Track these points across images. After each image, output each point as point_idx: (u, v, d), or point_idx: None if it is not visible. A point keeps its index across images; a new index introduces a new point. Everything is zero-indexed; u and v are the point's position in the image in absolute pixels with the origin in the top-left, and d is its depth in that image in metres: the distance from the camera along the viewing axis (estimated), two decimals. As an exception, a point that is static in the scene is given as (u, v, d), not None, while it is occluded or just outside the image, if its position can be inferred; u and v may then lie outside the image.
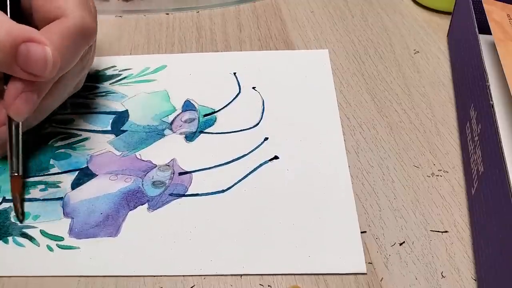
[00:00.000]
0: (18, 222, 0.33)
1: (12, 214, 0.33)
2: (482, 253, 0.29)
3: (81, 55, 0.35)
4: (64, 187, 0.35)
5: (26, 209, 0.33)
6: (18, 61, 0.31)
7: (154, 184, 0.35)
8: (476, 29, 0.37)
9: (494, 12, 0.40)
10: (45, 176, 0.35)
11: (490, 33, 0.38)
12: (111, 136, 0.38)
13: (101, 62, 0.44)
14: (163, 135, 0.38)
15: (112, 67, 0.44)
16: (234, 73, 0.43)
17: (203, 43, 0.47)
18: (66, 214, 0.33)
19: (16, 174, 0.33)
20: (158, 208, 0.33)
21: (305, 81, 0.42)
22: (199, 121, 0.39)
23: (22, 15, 0.35)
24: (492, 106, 0.30)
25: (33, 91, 0.32)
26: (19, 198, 0.33)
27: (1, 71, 0.32)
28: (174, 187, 0.34)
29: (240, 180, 0.35)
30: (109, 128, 0.39)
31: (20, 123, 0.33)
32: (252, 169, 0.35)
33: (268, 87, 0.42)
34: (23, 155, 0.34)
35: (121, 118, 0.40)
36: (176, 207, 0.33)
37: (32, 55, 0.31)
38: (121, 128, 0.39)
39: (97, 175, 0.35)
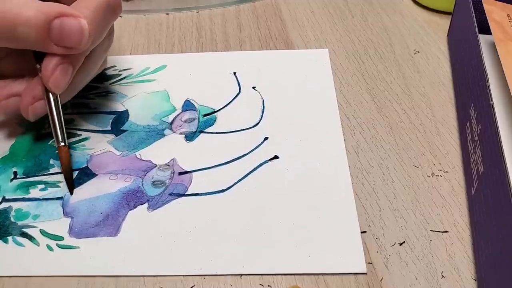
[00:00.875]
0: (18, 222, 0.32)
1: (12, 213, 0.33)
2: (482, 253, 0.29)
3: (108, 31, 0.37)
4: (64, 187, 0.35)
5: (25, 209, 0.33)
6: (52, 37, 0.32)
7: (154, 183, 0.35)
8: (476, 29, 0.37)
9: (494, 12, 0.40)
10: (45, 176, 0.35)
11: (490, 33, 0.38)
12: (111, 136, 0.38)
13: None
14: (163, 135, 0.38)
15: (112, 67, 0.44)
16: (234, 73, 0.43)
17: (203, 43, 0.47)
18: (66, 214, 0.33)
19: (63, 144, 0.34)
20: (158, 207, 0.33)
21: (305, 81, 0.42)
22: (199, 121, 0.39)
23: None
24: (492, 106, 0.30)
25: (69, 62, 0.34)
26: (70, 168, 0.35)
27: (36, 49, 0.33)
28: (174, 186, 0.34)
29: (240, 180, 0.35)
30: (109, 128, 0.39)
31: (58, 96, 0.35)
32: (252, 168, 0.35)
33: (268, 87, 0.42)
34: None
35: (121, 118, 0.40)
36: (176, 206, 0.33)
37: (67, 28, 0.32)
38: (121, 128, 0.39)
39: (97, 175, 0.35)
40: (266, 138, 0.38)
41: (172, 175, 0.35)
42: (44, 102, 0.35)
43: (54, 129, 0.35)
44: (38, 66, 0.34)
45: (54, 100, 0.35)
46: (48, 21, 0.32)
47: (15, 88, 0.35)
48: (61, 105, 0.35)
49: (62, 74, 0.33)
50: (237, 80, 0.43)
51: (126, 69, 0.44)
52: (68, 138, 0.38)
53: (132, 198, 0.34)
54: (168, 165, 0.36)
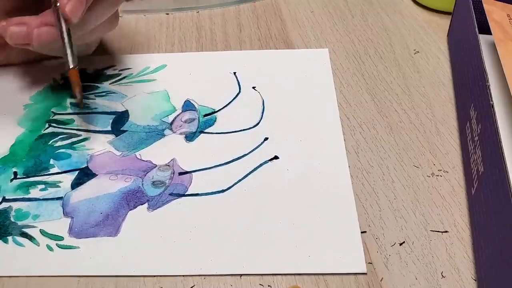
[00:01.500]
0: (18, 222, 0.32)
1: (12, 213, 0.33)
2: (482, 253, 0.29)
3: None
4: (64, 187, 0.35)
5: (25, 209, 0.33)
6: None
7: (154, 184, 0.35)
8: (476, 29, 0.37)
9: (494, 12, 0.40)
10: (45, 176, 0.35)
11: (490, 33, 0.38)
12: (111, 136, 0.38)
13: (100, 61, 0.44)
14: (163, 135, 0.38)
15: (112, 66, 0.44)
16: (234, 73, 0.43)
17: (203, 43, 0.47)
18: (66, 214, 0.33)
19: (75, 66, 0.37)
20: (158, 208, 0.33)
21: (305, 81, 0.42)
22: (199, 121, 0.39)
23: None
24: (492, 106, 0.30)
25: None
26: (81, 88, 0.37)
27: None
28: (174, 187, 0.34)
29: (240, 180, 0.35)
30: (109, 128, 0.39)
31: (69, 29, 0.36)
32: (252, 169, 0.35)
33: (268, 86, 0.42)
34: None
35: (121, 118, 0.40)
36: (176, 207, 0.33)
37: None
38: (121, 128, 0.39)
39: (97, 175, 0.35)
40: (266, 139, 0.38)
41: (172, 175, 0.35)
42: (50, 29, 0.35)
43: (65, 53, 0.36)
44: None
45: (66, 29, 0.36)
46: None
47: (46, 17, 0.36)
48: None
49: (78, 3, 0.35)
50: (237, 80, 0.43)
51: (126, 69, 0.44)
52: (68, 138, 0.38)
53: (132, 198, 0.34)
54: (168, 165, 0.36)
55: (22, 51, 0.39)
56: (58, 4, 0.35)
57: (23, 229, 0.32)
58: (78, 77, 0.37)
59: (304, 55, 0.45)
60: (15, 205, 0.33)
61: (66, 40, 0.36)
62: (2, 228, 0.32)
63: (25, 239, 0.32)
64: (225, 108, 0.40)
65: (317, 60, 0.44)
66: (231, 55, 0.45)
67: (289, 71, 0.43)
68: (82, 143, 0.38)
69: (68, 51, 0.36)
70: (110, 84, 0.42)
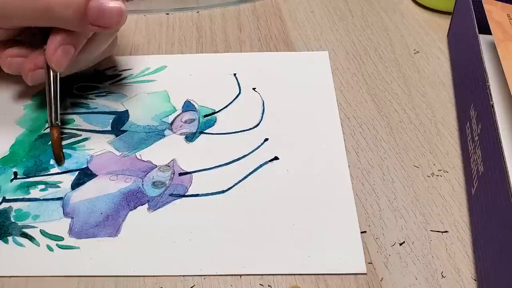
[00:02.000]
0: (18, 222, 0.32)
1: (12, 214, 0.33)
2: (482, 253, 0.29)
3: None
4: (64, 187, 0.35)
5: (25, 210, 0.33)
6: (89, 17, 0.35)
7: (154, 184, 0.35)
8: (476, 29, 0.37)
9: (494, 12, 0.40)
10: (45, 176, 0.35)
11: (490, 33, 0.38)
12: (111, 137, 0.38)
13: (100, 62, 0.44)
14: (163, 136, 0.38)
15: (112, 67, 0.44)
16: (234, 74, 0.43)
17: (203, 43, 0.47)
18: (66, 214, 0.33)
19: (57, 123, 0.37)
20: (158, 208, 0.33)
21: (305, 82, 0.42)
22: (199, 121, 0.39)
23: None
24: (492, 106, 0.30)
25: (72, 44, 0.36)
26: (60, 145, 0.37)
27: (70, 28, 0.35)
28: (174, 187, 0.34)
29: (240, 181, 0.35)
30: (109, 128, 0.39)
31: (58, 75, 0.37)
32: (252, 169, 0.35)
33: (268, 88, 0.42)
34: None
35: (121, 118, 0.40)
36: (176, 207, 0.33)
37: (107, 10, 0.35)
38: (121, 129, 0.39)
39: (97, 175, 0.35)
40: (266, 139, 0.38)
41: (172, 175, 0.35)
42: (41, 72, 0.37)
43: (49, 108, 0.37)
44: (44, 46, 0.36)
45: (53, 78, 0.37)
46: (85, 4, 0.34)
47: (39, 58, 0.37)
48: (60, 103, 0.37)
49: (64, 54, 0.36)
50: (237, 81, 0.43)
51: (126, 70, 0.44)
52: (68, 138, 0.38)
53: (132, 199, 0.34)
54: (168, 166, 0.36)
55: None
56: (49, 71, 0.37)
57: (23, 229, 0.32)
58: (59, 135, 0.37)
59: (304, 58, 0.45)
60: (15, 205, 0.33)
61: (51, 92, 0.37)
62: (2, 228, 0.32)
63: (25, 239, 0.32)
64: (225, 108, 0.40)
65: (317, 62, 0.45)
66: (231, 57, 0.45)
67: (289, 73, 0.43)
68: (82, 143, 0.38)
69: (52, 108, 0.37)
70: (110, 84, 0.42)
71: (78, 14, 0.34)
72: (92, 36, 0.37)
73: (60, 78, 0.37)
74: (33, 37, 0.38)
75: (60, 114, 0.40)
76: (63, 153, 0.36)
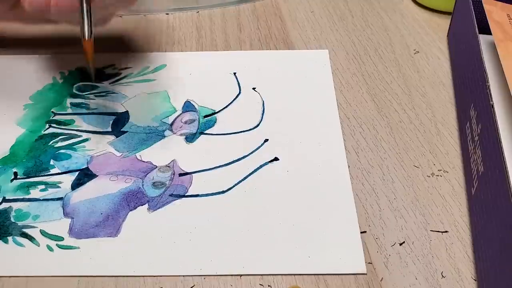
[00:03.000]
0: (18, 222, 0.33)
1: (12, 214, 0.33)
2: (482, 253, 0.29)
3: None
4: (64, 187, 0.35)
5: (25, 210, 0.33)
6: None
7: (154, 185, 0.35)
8: (476, 29, 0.37)
9: (494, 12, 0.40)
10: (46, 177, 0.35)
11: (490, 33, 0.38)
12: (112, 137, 0.38)
13: (100, 60, 0.44)
14: (164, 136, 0.38)
15: (111, 65, 0.44)
16: (234, 73, 0.43)
17: (203, 43, 0.47)
18: (66, 214, 0.33)
19: (90, 37, 0.38)
20: (158, 208, 0.33)
21: (305, 81, 0.42)
22: (199, 122, 0.39)
23: None
24: (492, 106, 0.30)
25: None
26: (94, 59, 0.39)
27: None
28: (174, 188, 0.34)
29: (240, 181, 0.35)
30: (109, 129, 0.39)
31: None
32: (252, 170, 0.35)
33: (268, 87, 0.42)
34: None
35: (121, 119, 0.40)
36: (176, 207, 0.33)
37: None
38: (122, 129, 0.39)
39: (97, 175, 0.35)
40: (266, 140, 0.38)
41: (172, 176, 0.35)
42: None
43: (82, 23, 0.37)
44: None
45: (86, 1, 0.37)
46: None
47: None
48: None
49: None
50: (237, 81, 0.43)
51: (126, 68, 0.44)
52: (68, 139, 0.38)
53: (133, 199, 0.34)
54: (169, 166, 0.36)
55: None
56: None
57: (23, 230, 0.32)
58: (93, 49, 0.38)
59: (304, 56, 0.45)
60: (15, 206, 0.33)
61: (84, 9, 0.37)
62: (2, 228, 0.32)
63: (25, 239, 0.32)
64: (225, 109, 0.40)
65: (317, 61, 0.44)
66: (231, 55, 0.45)
67: (289, 72, 0.43)
68: (83, 144, 0.38)
69: (85, 21, 0.37)
70: (110, 83, 0.42)
71: None
72: None
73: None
74: None
75: (61, 114, 0.40)
76: (95, 68, 0.38)
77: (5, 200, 0.34)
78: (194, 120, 0.39)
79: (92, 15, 0.38)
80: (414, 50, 0.46)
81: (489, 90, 0.32)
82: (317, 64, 0.44)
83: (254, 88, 0.42)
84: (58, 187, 0.35)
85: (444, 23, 0.49)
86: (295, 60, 0.45)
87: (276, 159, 0.36)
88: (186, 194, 0.34)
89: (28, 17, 0.40)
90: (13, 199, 0.34)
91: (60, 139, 0.38)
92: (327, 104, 0.40)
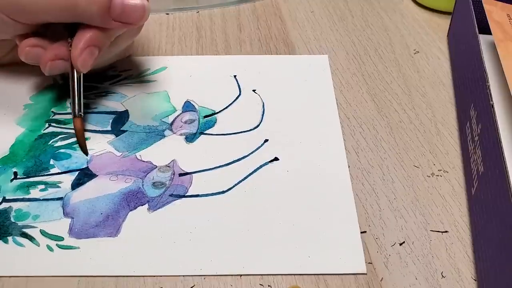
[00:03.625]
0: (18, 222, 0.32)
1: (12, 214, 0.33)
2: (482, 253, 0.29)
3: None
4: (64, 187, 0.35)
5: (25, 210, 0.33)
6: (113, 13, 0.35)
7: (154, 184, 0.35)
8: (476, 29, 0.37)
9: (494, 12, 0.40)
10: (45, 176, 0.35)
11: (490, 33, 0.38)
12: (111, 137, 0.38)
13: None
14: (163, 136, 0.38)
15: (112, 68, 0.44)
16: (235, 76, 0.43)
17: (203, 43, 0.47)
18: (66, 214, 0.33)
19: (80, 114, 0.38)
20: (158, 208, 0.33)
21: (305, 85, 0.42)
22: (199, 122, 0.39)
23: None
24: (492, 106, 0.30)
25: (97, 46, 0.37)
26: (83, 137, 0.38)
27: (93, 24, 0.36)
28: (174, 188, 0.34)
29: (240, 181, 0.35)
30: (109, 128, 0.39)
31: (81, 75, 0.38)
32: (252, 170, 0.35)
33: (268, 90, 0.42)
34: None
35: (121, 118, 0.40)
36: (176, 207, 0.33)
37: (130, 6, 0.36)
38: (121, 129, 0.39)
39: (97, 175, 0.35)
40: (266, 140, 0.38)
41: (172, 176, 0.35)
42: (63, 63, 0.37)
43: (73, 101, 0.38)
44: (69, 40, 0.37)
45: (77, 76, 0.38)
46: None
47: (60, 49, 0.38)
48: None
49: (89, 56, 0.36)
50: (238, 83, 0.43)
51: (126, 70, 0.44)
52: (68, 138, 0.38)
53: (133, 199, 0.34)
54: (169, 166, 0.36)
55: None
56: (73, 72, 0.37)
57: (23, 229, 0.32)
58: (83, 126, 0.38)
59: (304, 61, 0.45)
60: (15, 205, 0.33)
61: (75, 87, 0.38)
62: (2, 228, 0.32)
63: (25, 239, 0.32)
64: (226, 109, 0.40)
65: (317, 66, 0.44)
66: (231, 59, 0.45)
67: (289, 76, 0.43)
68: (82, 144, 0.38)
69: (76, 99, 0.38)
70: (110, 84, 0.42)
71: (102, 10, 0.35)
72: (115, 38, 0.38)
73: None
74: (53, 31, 0.38)
75: (61, 114, 0.40)
76: (86, 145, 0.37)
77: (5, 200, 0.34)
78: (194, 120, 0.39)
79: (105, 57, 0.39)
80: (414, 50, 0.46)
81: (489, 90, 0.32)
82: (317, 68, 0.44)
83: (254, 90, 0.42)
84: (58, 187, 0.35)
85: (444, 23, 0.49)
86: (295, 64, 0.45)
87: (276, 159, 0.36)
88: (186, 194, 0.34)
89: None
90: (13, 199, 0.34)
91: (60, 138, 0.38)
92: (327, 104, 0.40)
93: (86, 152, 0.37)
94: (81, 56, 0.36)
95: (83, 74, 0.38)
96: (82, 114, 0.38)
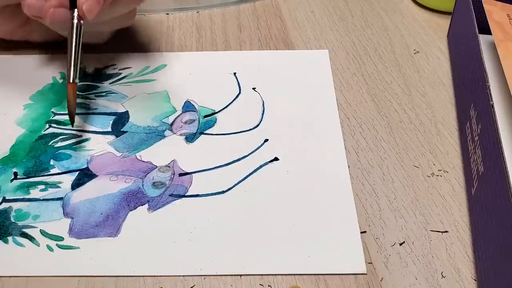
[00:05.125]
0: (18, 222, 0.32)
1: (12, 214, 0.33)
2: (482, 253, 0.29)
3: None
4: (64, 187, 0.35)
5: (25, 210, 0.33)
6: None
7: (155, 184, 0.35)
8: (476, 29, 0.37)
9: (494, 12, 0.40)
10: (46, 177, 0.35)
11: (490, 33, 0.38)
12: (112, 137, 0.38)
13: (100, 60, 0.44)
14: (163, 136, 0.38)
15: (112, 65, 0.44)
16: (234, 73, 0.43)
17: (203, 43, 0.47)
18: (66, 214, 0.33)
19: (76, 81, 0.37)
20: (158, 208, 0.33)
21: (305, 82, 0.42)
22: (199, 122, 0.39)
23: None
24: (492, 106, 0.30)
25: None
26: (75, 104, 0.37)
27: None
28: (174, 188, 0.34)
29: (240, 181, 0.35)
30: (109, 129, 0.39)
31: (82, 29, 0.37)
32: (252, 170, 0.35)
33: (268, 87, 0.42)
34: None
35: (121, 119, 0.40)
36: (176, 207, 0.33)
37: None
38: (122, 129, 0.39)
39: (97, 175, 0.35)
40: (266, 140, 0.38)
41: (172, 176, 0.35)
42: (66, 11, 0.37)
43: (68, 65, 0.37)
44: None
45: (77, 30, 0.37)
46: None
47: None
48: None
49: (95, 2, 0.36)
50: (237, 81, 0.43)
51: (126, 68, 0.44)
52: (68, 138, 0.38)
53: (133, 199, 0.34)
54: (169, 166, 0.36)
55: (44, 30, 0.41)
56: (74, 14, 0.37)
57: (23, 230, 0.32)
58: (75, 92, 0.37)
59: (304, 56, 0.45)
60: (15, 206, 0.33)
61: (72, 52, 0.37)
62: (2, 229, 0.32)
63: (25, 239, 0.32)
64: (225, 109, 0.40)
65: (317, 61, 0.45)
66: (231, 55, 0.45)
67: (289, 72, 0.43)
68: (83, 144, 0.38)
69: (72, 64, 0.37)
70: (110, 84, 0.42)
71: None
72: None
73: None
74: None
75: (61, 114, 0.40)
76: (74, 113, 0.37)
77: (5, 200, 0.34)
78: (194, 120, 0.39)
79: (86, 29, 0.38)
80: (414, 50, 0.46)
81: (489, 90, 0.32)
82: (317, 64, 0.44)
83: (254, 88, 0.42)
84: (58, 187, 0.35)
85: (444, 23, 0.49)
86: (295, 60, 0.45)
87: (276, 159, 0.36)
88: (186, 194, 0.34)
89: (35, 35, 0.43)
90: (13, 199, 0.34)
91: (60, 139, 0.38)
92: (327, 104, 0.40)
93: (72, 121, 0.37)
94: (88, 1, 0.36)
95: (81, 71, 0.38)
96: (78, 82, 0.37)
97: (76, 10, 0.37)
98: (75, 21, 0.37)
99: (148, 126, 0.39)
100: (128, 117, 0.40)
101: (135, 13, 0.43)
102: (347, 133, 0.38)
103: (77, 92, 0.41)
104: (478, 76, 0.34)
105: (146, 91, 0.42)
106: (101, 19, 0.40)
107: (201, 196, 0.34)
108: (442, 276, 0.30)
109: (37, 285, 0.30)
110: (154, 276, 0.30)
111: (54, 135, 0.38)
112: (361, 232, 0.32)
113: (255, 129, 0.39)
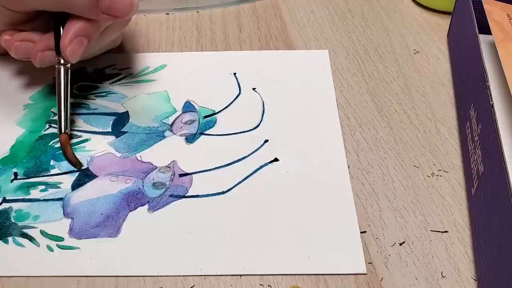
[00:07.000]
0: (18, 223, 0.33)
1: (12, 214, 0.33)
2: (482, 253, 0.29)
3: None
4: (65, 187, 0.35)
5: (26, 210, 0.33)
6: (101, 6, 0.36)
7: (155, 185, 0.35)
8: (476, 29, 0.37)
9: (494, 12, 0.40)
10: (46, 177, 0.35)
11: (490, 33, 0.38)
12: (112, 138, 0.38)
13: (100, 60, 0.44)
14: (164, 137, 0.38)
15: (112, 65, 0.44)
16: (234, 73, 0.43)
17: (203, 43, 0.47)
18: (66, 215, 0.33)
19: (67, 131, 0.37)
20: (158, 209, 0.33)
21: (305, 82, 0.42)
22: (199, 122, 0.39)
23: None
24: (492, 106, 0.30)
25: (86, 35, 0.37)
26: (72, 152, 0.36)
27: (82, 15, 0.36)
28: (175, 188, 0.34)
29: (240, 182, 0.35)
30: (109, 129, 0.39)
31: (69, 74, 0.38)
32: (252, 171, 0.35)
33: (268, 87, 0.42)
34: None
35: (121, 119, 0.40)
36: (177, 208, 0.33)
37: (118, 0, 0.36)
38: (122, 130, 0.39)
39: (98, 176, 0.35)
40: (266, 141, 0.38)
41: (172, 177, 0.35)
42: (53, 53, 0.37)
43: (59, 116, 0.37)
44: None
45: (64, 77, 0.37)
46: None
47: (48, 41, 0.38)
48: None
49: (78, 46, 0.37)
50: (237, 81, 0.43)
51: (126, 68, 0.44)
52: (69, 139, 0.38)
53: (133, 200, 0.34)
54: (169, 167, 0.36)
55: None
56: (60, 65, 0.37)
57: (23, 230, 0.32)
58: (69, 142, 0.37)
59: (304, 56, 0.45)
60: (16, 206, 0.34)
61: (61, 101, 0.37)
62: (3, 229, 0.32)
63: (25, 239, 0.32)
64: (225, 109, 0.40)
65: (317, 61, 0.44)
66: (231, 55, 0.45)
67: (289, 72, 0.43)
68: (83, 144, 0.38)
69: (62, 115, 0.37)
70: (110, 84, 0.42)
71: (91, 2, 0.36)
72: (104, 29, 0.38)
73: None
74: (42, 26, 0.39)
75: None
76: (76, 159, 0.36)
77: (5, 200, 0.34)
78: (194, 121, 0.39)
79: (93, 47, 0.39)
80: (414, 50, 0.46)
81: (489, 90, 0.32)
82: (317, 64, 0.44)
83: (254, 89, 0.42)
84: (58, 187, 0.35)
85: (444, 23, 0.49)
86: (295, 60, 0.45)
87: (276, 159, 0.36)
88: (186, 195, 0.34)
89: None
90: (13, 199, 0.34)
91: (60, 139, 0.38)
92: (327, 104, 0.40)
93: (78, 166, 0.36)
94: (70, 46, 0.36)
95: (71, 90, 0.38)
96: (69, 132, 0.37)
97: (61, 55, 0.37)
98: (62, 68, 0.37)
99: (148, 126, 0.39)
100: (128, 118, 0.40)
101: (122, 36, 0.44)
102: (347, 133, 0.38)
103: (77, 93, 0.41)
104: (478, 76, 0.34)
105: (146, 91, 0.42)
106: (89, 55, 0.41)
107: (201, 197, 0.34)
108: (442, 276, 0.30)
109: (37, 285, 0.30)
110: (154, 276, 0.30)
111: (54, 135, 0.38)
112: (361, 232, 0.32)
113: (255, 129, 0.39)
